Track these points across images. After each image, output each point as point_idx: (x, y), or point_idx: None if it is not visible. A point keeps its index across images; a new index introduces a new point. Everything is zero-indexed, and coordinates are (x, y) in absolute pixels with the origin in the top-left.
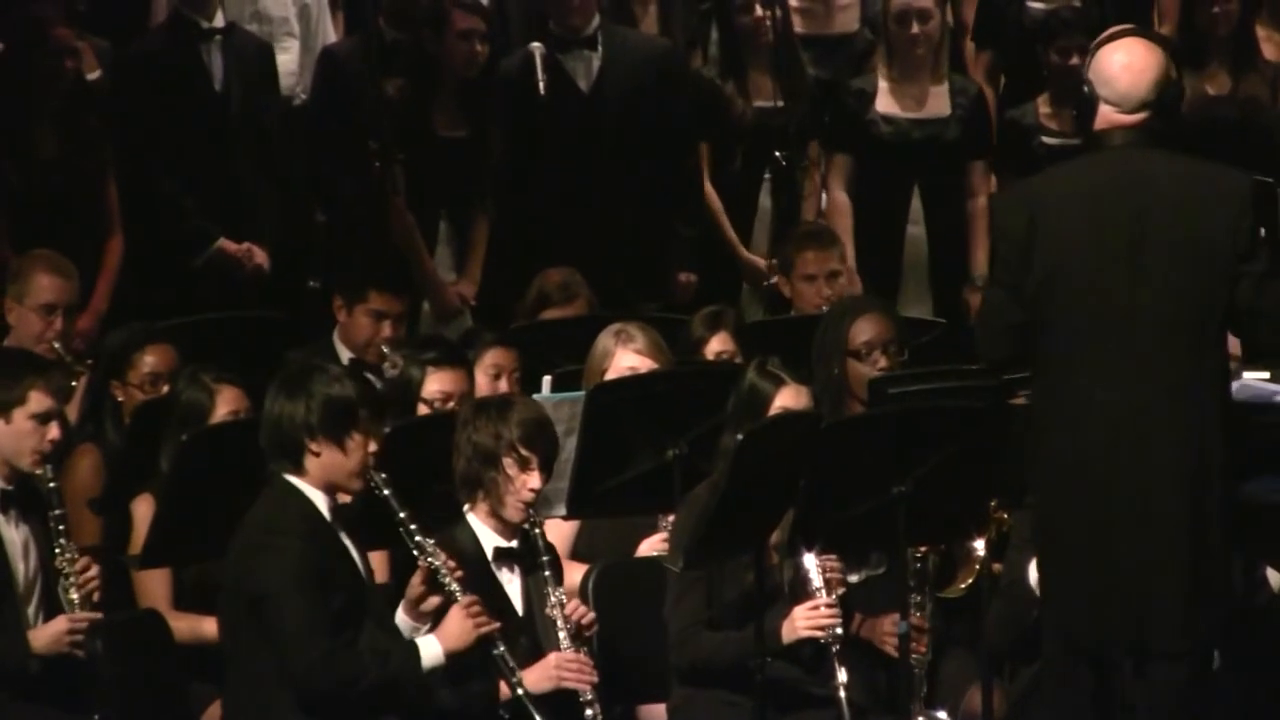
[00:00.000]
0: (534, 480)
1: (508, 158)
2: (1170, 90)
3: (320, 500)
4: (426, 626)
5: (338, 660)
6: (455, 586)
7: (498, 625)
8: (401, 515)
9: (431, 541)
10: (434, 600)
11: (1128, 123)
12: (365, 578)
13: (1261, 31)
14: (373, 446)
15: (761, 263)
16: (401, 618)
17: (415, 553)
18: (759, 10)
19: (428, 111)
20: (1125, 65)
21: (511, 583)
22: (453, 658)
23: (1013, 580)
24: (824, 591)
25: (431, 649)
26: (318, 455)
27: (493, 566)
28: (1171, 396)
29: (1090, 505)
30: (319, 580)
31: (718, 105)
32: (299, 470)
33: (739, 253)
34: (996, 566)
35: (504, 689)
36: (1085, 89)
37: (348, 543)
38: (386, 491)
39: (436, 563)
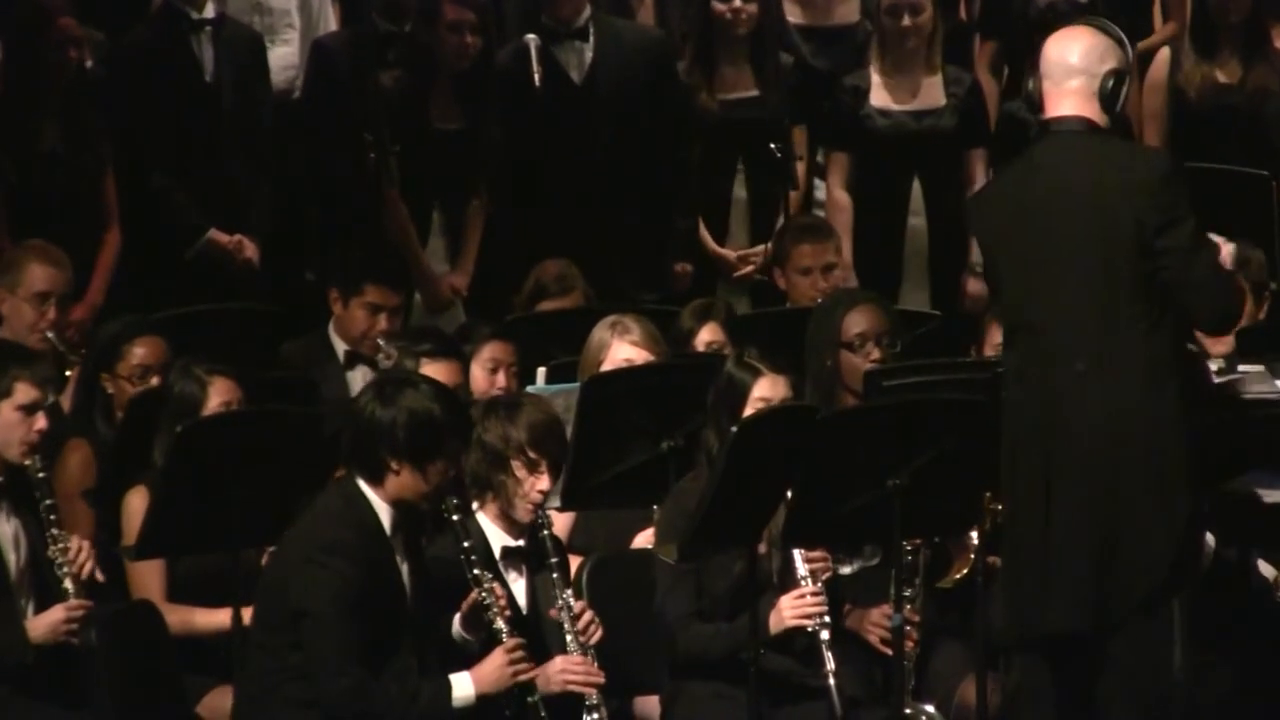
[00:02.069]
0: (542, 482)
1: (503, 150)
2: (1101, 70)
3: (385, 514)
4: (478, 642)
5: (367, 691)
6: (502, 625)
7: (537, 673)
8: (466, 545)
9: (490, 576)
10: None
11: (1063, 110)
12: (410, 596)
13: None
14: (451, 471)
15: (732, 255)
16: (456, 628)
17: (473, 585)
18: (736, 1)
19: (424, 103)
20: (1055, 39)
21: (517, 582)
22: (484, 699)
23: None
24: (809, 580)
25: (464, 689)
26: (397, 474)
27: (500, 565)
28: (1084, 379)
29: (1020, 492)
30: (363, 606)
31: (685, 99)
32: (374, 482)
33: (708, 247)
34: (992, 559)
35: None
36: (1032, 84)
37: (400, 558)
38: (456, 517)
39: (489, 599)
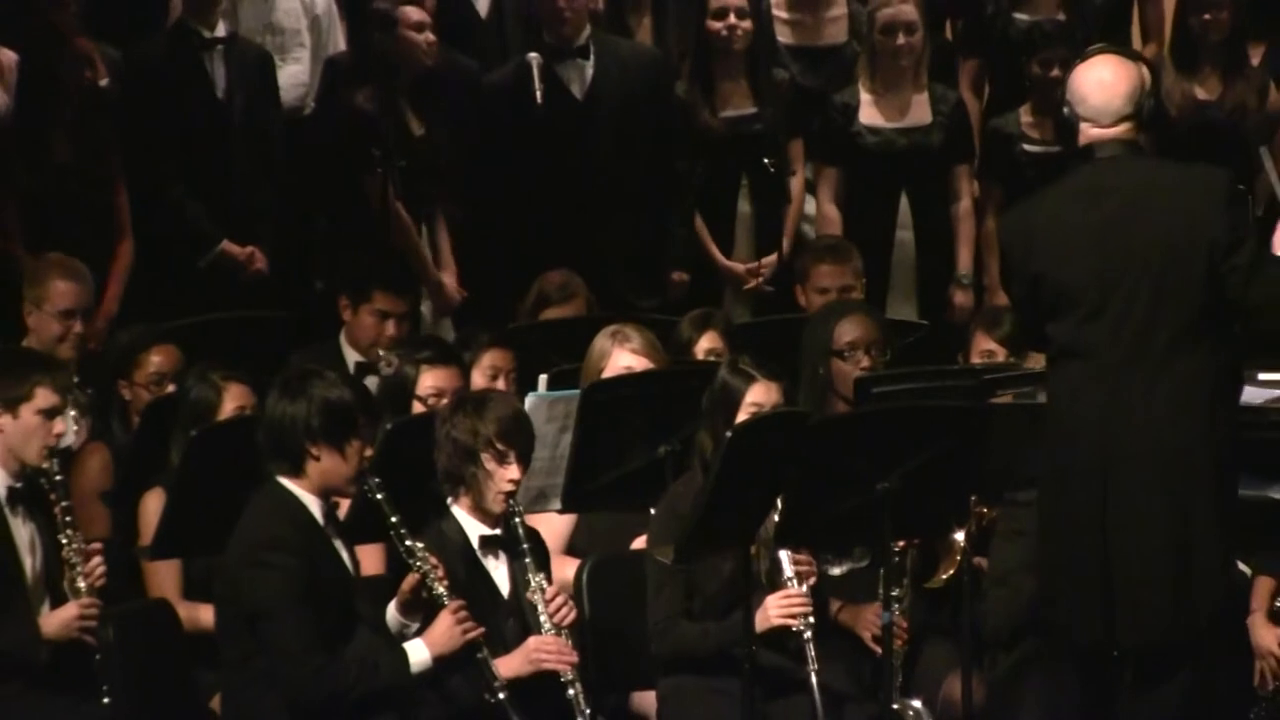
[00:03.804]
0: (512, 472)
1: (456, 151)
2: (1145, 101)
3: (314, 505)
4: (416, 625)
5: (331, 674)
6: (442, 591)
7: (483, 630)
8: (393, 520)
9: (421, 546)
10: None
11: (1108, 136)
12: (354, 580)
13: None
14: (368, 451)
15: (741, 268)
16: (392, 614)
17: (405, 558)
18: (731, 18)
19: (399, 112)
20: (1098, 81)
21: (498, 569)
22: (440, 661)
23: (1008, 570)
24: (795, 581)
25: (419, 654)
26: (317, 460)
27: (479, 554)
28: (1149, 397)
29: (1074, 505)
30: (312, 595)
31: (684, 116)
32: (296, 474)
33: (718, 260)
34: (978, 560)
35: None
36: (1065, 111)
37: (338, 545)
38: (380, 496)
39: (425, 567)
